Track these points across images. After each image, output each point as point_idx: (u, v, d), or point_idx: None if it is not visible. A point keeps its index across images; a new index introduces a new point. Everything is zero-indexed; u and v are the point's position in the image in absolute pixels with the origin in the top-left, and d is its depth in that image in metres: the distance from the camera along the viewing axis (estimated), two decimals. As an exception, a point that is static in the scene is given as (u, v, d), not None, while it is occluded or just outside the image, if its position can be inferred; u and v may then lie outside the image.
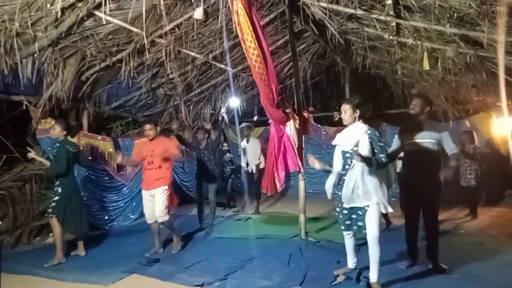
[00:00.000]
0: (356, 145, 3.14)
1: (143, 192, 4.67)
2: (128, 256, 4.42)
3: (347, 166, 3.22)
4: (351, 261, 3.52)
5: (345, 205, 3.24)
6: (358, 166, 3.10)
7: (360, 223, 3.18)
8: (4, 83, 4.82)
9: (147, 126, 4.60)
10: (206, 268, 3.91)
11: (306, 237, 4.99)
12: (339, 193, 3.28)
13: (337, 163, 3.34)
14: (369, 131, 3.16)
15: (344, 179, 3.24)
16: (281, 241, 4.93)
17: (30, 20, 4.16)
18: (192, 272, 3.78)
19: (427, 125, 3.66)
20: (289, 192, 9.40)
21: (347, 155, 3.23)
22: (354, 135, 3.20)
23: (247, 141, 7.23)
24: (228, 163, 8.22)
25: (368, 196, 3.08)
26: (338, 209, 3.37)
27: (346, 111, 3.27)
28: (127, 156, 6.12)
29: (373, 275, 3.13)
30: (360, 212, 3.17)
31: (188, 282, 3.49)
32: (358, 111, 3.23)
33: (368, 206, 3.10)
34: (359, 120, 3.26)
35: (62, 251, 4.25)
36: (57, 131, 4.33)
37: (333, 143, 3.44)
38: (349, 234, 3.40)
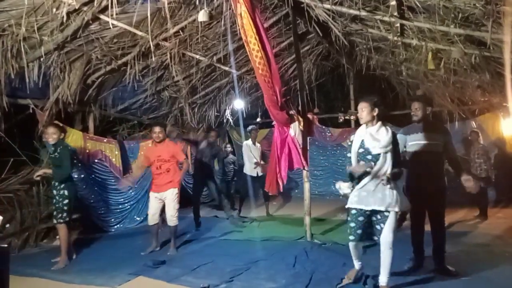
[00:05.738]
0: (388, 150, 3.05)
1: (152, 193, 4.70)
2: (134, 258, 4.44)
3: (368, 169, 3.08)
4: (357, 264, 3.44)
5: (360, 211, 3.13)
6: (384, 170, 3.04)
7: (377, 227, 3.11)
8: (11, 86, 4.88)
9: (157, 129, 4.66)
10: (211, 270, 3.92)
11: (312, 239, 4.98)
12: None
13: (355, 164, 3.18)
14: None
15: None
16: (287, 243, 4.92)
17: (37, 24, 4.21)
18: (198, 274, 3.79)
19: (432, 127, 3.64)
20: (294, 194, 9.38)
21: (369, 156, 3.11)
22: (383, 138, 3.09)
23: (254, 144, 7.15)
24: (230, 164, 8.21)
25: (391, 202, 3.01)
26: (351, 218, 3.22)
27: (364, 109, 3.16)
28: (131, 172, 6.35)
29: (383, 278, 3.09)
30: (379, 216, 3.09)
31: (194, 284, 3.49)
32: (376, 109, 3.14)
33: (388, 212, 3.03)
34: (378, 120, 3.16)
35: (66, 255, 4.27)
36: (57, 135, 4.26)
37: (354, 142, 3.23)
38: (355, 243, 3.28)
